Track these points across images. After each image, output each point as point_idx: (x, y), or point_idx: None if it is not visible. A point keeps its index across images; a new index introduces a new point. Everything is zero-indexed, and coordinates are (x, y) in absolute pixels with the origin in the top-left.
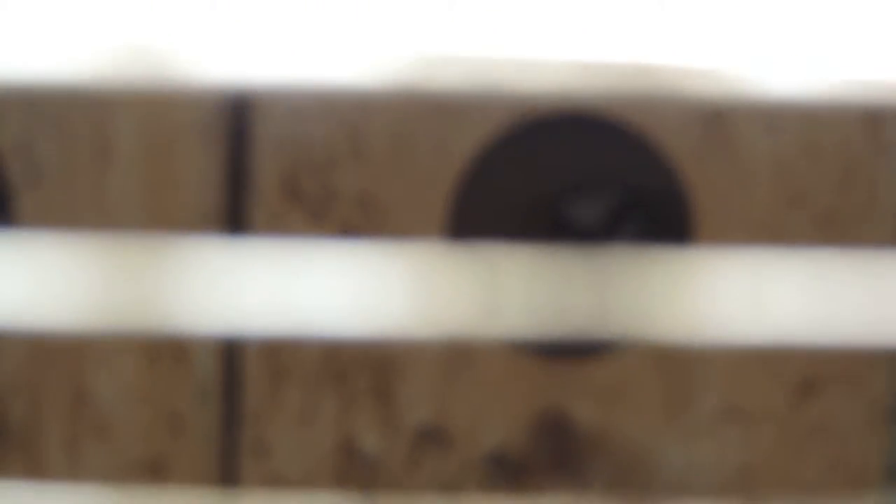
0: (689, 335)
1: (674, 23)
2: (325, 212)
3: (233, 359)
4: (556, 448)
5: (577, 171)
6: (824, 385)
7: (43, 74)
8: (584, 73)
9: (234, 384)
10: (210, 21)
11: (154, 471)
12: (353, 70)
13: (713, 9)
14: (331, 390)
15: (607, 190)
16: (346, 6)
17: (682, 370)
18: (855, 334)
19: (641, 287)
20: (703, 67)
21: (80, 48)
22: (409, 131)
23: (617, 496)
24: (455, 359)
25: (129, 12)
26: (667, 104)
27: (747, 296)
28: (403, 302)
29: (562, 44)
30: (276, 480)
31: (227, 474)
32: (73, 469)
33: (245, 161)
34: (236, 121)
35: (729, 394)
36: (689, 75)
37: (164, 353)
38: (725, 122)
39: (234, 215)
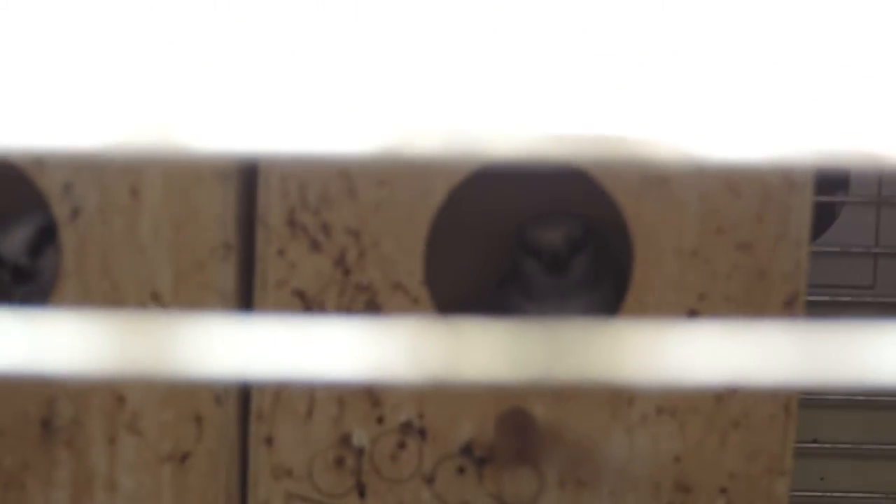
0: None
1: (619, 95)
2: (322, 243)
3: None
4: (519, 441)
5: (537, 204)
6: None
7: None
8: (543, 142)
9: (247, 388)
10: (221, 92)
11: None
12: (344, 135)
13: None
14: (328, 392)
15: (567, 219)
16: (337, 78)
17: None
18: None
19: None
20: (649, 135)
21: (107, 119)
22: (393, 175)
23: (569, 482)
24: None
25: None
26: (615, 162)
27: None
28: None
29: (524, 113)
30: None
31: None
32: (111, 460)
33: (255, 199)
34: (247, 165)
35: (663, 394)
36: (637, 142)
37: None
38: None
39: (247, 246)
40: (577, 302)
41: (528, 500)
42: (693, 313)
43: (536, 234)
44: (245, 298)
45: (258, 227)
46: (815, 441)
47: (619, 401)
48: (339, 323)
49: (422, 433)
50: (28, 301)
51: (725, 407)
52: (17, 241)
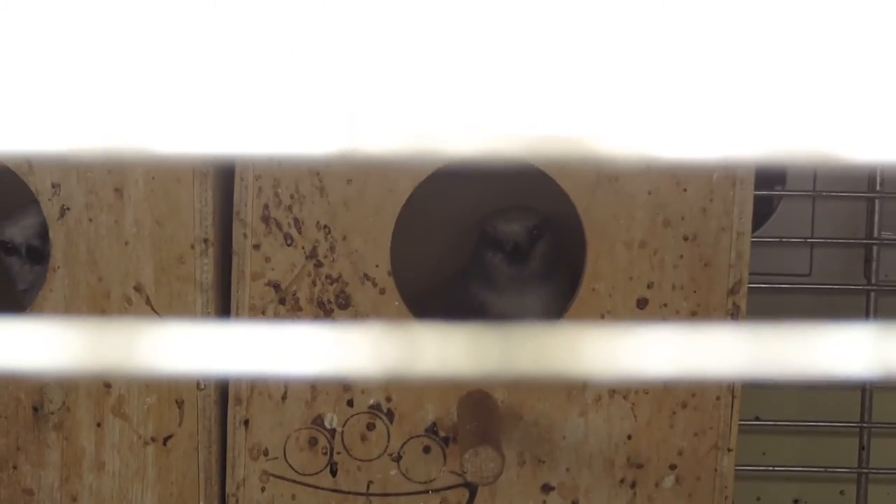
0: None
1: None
2: (295, 238)
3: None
4: (480, 422)
5: (497, 200)
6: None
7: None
8: (500, 141)
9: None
10: (195, 93)
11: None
12: (313, 136)
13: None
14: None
15: (526, 212)
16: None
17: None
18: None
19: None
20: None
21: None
22: (360, 174)
23: (528, 459)
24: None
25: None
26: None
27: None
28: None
29: (483, 113)
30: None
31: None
32: (98, 442)
33: (231, 197)
34: (224, 165)
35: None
36: (589, 141)
37: None
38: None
39: (224, 241)
40: (534, 291)
41: (492, 477)
42: (643, 301)
43: (498, 226)
44: (223, 290)
45: (235, 223)
46: (757, 419)
47: (575, 384)
48: (309, 324)
49: (389, 415)
50: (39, 281)
51: (673, 389)
52: (28, 224)
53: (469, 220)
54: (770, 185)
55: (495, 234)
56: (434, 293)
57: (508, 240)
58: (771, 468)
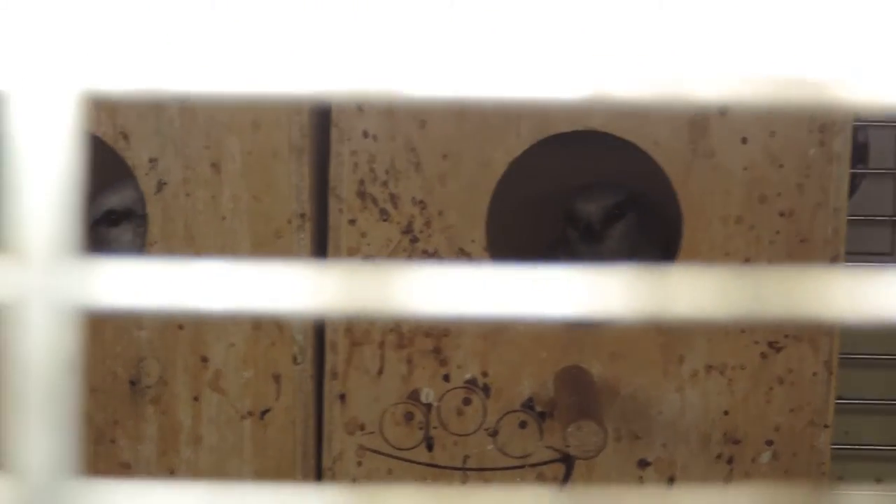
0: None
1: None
2: (391, 213)
3: (321, 329)
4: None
5: (585, 174)
6: (786, 345)
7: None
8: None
9: (322, 348)
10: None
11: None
12: (567, 76)
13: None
14: (397, 352)
15: (609, 190)
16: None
17: (675, 334)
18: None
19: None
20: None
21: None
22: (456, 148)
23: (625, 435)
24: (494, 328)
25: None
26: (661, 119)
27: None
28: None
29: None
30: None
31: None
32: (195, 417)
33: (327, 172)
34: (321, 140)
35: (712, 352)
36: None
37: (267, 324)
38: (708, 135)
39: (320, 216)
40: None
41: (594, 451)
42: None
43: (577, 204)
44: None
45: (330, 198)
46: (840, 398)
47: (671, 359)
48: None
49: (485, 390)
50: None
51: (770, 364)
52: (125, 193)
53: (562, 194)
54: (853, 163)
55: (573, 212)
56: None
57: (583, 218)
58: (854, 447)
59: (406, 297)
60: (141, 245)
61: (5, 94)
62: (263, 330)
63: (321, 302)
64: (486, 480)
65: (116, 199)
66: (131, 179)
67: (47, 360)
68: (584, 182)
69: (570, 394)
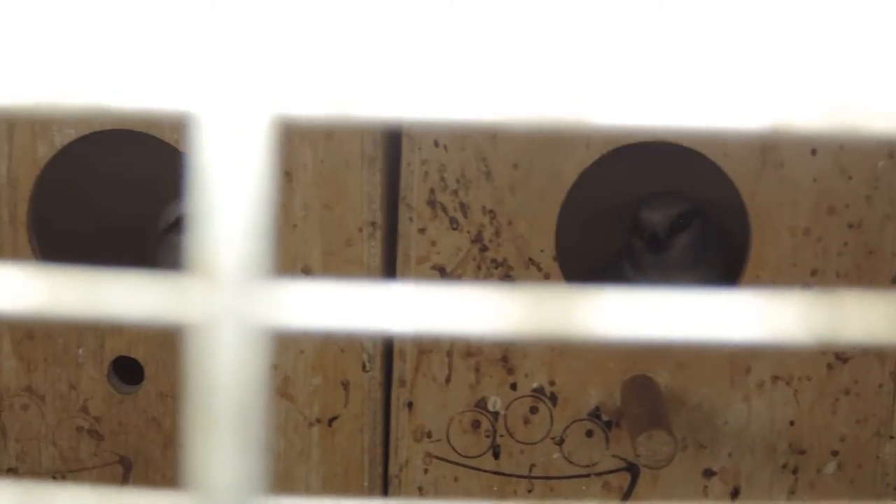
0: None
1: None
2: (461, 222)
3: (389, 337)
4: (645, 405)
5: (651, 185)
6: (853, 356)
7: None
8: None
9: (390, 355)
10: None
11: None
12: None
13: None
14: (465, 361)
15: (674, 200)
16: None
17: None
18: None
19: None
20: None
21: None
22: (527, 158)
23: (691, 444)
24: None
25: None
26: (730, 133)
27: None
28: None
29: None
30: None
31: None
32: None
33: (398, 181)
34: (392, 149)
35: (779, 363)
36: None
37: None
38: (777, 147)
39: (389, 225)
40: (680, 278)
41: (665, 461)
42: (807, 288)
43: (642, 214)
44: (388, 273)
45: (401, 207)
46: None
47: (738, 369)
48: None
49: (552, 398)
50: None
51: (836, 375)
52: None
53: (627, 204)
54: None
55: (639, 221)
56: (591, 276)
57: (648, 228)
58: None
59: (595, 322)
60: None
61: (198, 117)
62: (333, 337)
63: (508, 326)
64: (552, 489)
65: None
66: None
67: (236, 380)
68: (649, 192)
69: (639, 403)
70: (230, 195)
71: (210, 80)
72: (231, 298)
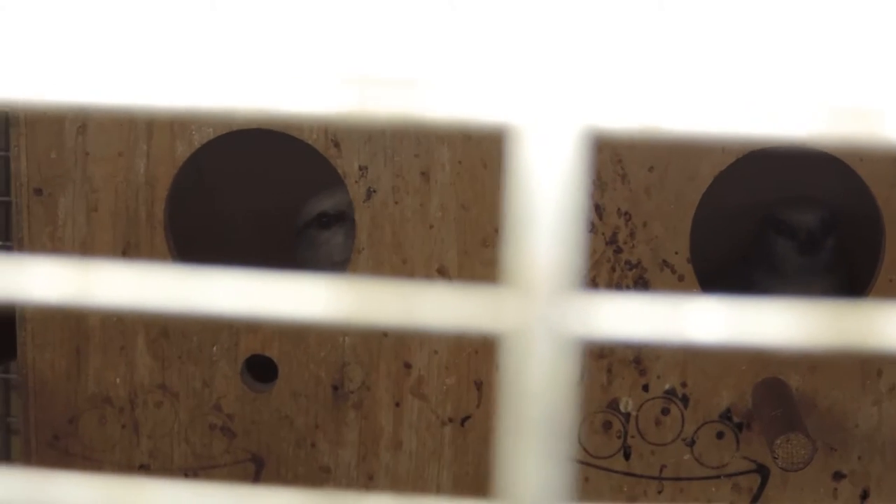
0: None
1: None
2: (596, 224)
3: None
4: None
5: (790, 189)
6: None
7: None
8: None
9: None
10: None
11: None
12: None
13: None
14: (598, 362)
15: (814, 204)
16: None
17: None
18: None
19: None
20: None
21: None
22: (662, 161)
23: (821, 447)
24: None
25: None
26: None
27: None
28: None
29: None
30: None
31: None
32: (396, 422)
33: None
34: None
35: None
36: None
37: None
38: None
39: None
40: (820, 282)
41: (802, 464)
42: None
43: (792, 214)
44: None
45: None
46: None
47: (869, 373)
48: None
49: (684, 400)
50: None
51: None
52: (338, 197)
53: (754, 208)
54: None
55: (789, 223)
56: (717, 280)
57: (802, 228)
58: None
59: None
60: (351, 249)
61: (511, 128)
62: (467, 338)
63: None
64: (682, 490)
65: (330, 203)
66: (344, 184)
67: (547, 389)
68: (783, 196)
69: (774, 406)
70: (544, 206)
71: (525, 92)
72: (544, 309)
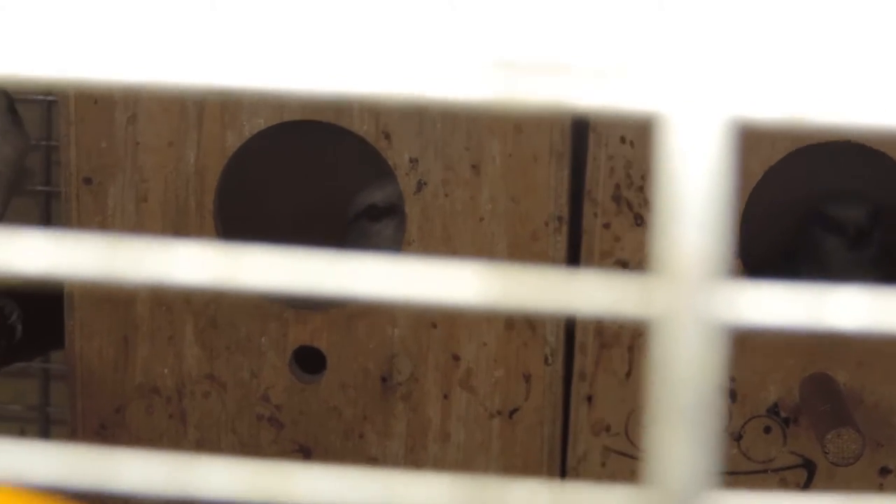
0: None
1: None
2: (645, 218)
3: (571, 330)
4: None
5: (832, 183)
6: None
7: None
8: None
9: (571, 349)
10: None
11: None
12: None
13: None
14: (645, 356)
15: (861, 199)
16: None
17: None
18: None
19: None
20: None
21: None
22: None
23: (869, 442)
24: (742, 334)
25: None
26: None
27: None
28: None
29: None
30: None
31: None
32: (445, 414)
33: (583, 175)
34: (578, 144)
35: None
36: None
37: (520, 324)
38: None
39: (573, 219)
40: (868, 278)
41: (853, 458)
42: None
43: (840, 209)
44: (571, 268)
45: (585, 201)
46: None
47: None
48: None
49: (732, 395)
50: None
51: None
52: (388, 190)
53: (796, 203)
54: None
55: (837, 218)
56: (760, 275)
57: (851, 224)
58: None
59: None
60: (400, 242)
61: (660, 116)
62: (516, 330)
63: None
64: (729, 484)
65: (380, 195)
66: (394, 176)
67: (695, 377)
68: (832, 191)
69: (823, 401)
70: (693, 194)
71: (673, 81)
72: (692, 296)
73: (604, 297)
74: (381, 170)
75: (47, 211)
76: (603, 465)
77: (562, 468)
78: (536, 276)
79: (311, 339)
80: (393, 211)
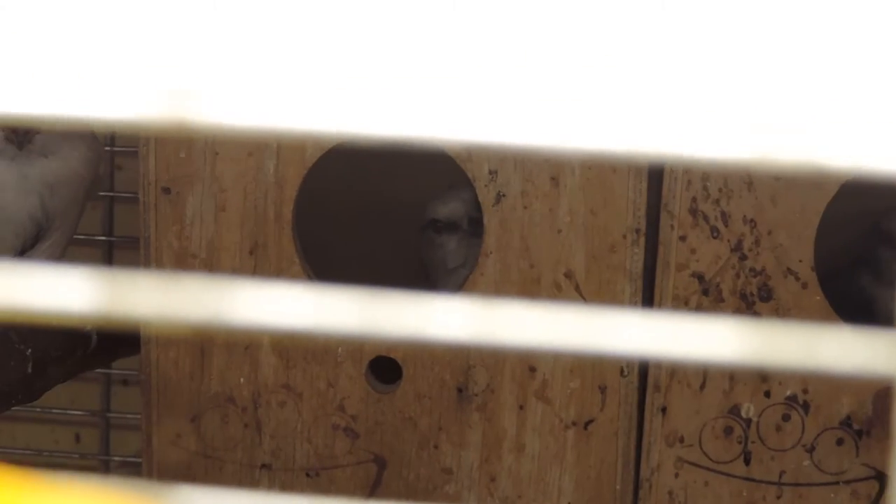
0: None
1: None
2: (721, 230)
3: None
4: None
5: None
6: None
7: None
8: None
9: (646, 362)
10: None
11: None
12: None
13: None
14: (720, 369)
15: None
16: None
17: None
18: None
19: None
20: None
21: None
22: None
23: None
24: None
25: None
26: None
27: None
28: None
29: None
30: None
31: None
32: (520, 425)
33: (660, 188)
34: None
35: None
36: None
37: None
38: None
39: (649, 231)
40: None
41: None
42: None
43: (894, 225)
44: (648, 280)
45: (662, 214)
46: None
47: None
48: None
49: (805, 407)
50: (470, 261)
51: None
52: (459, 204)
53: (861, 216)
54: None
55: (891, 232)
56: (827, 285)
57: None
58: None
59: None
60: (465, 256)
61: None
62: None
63: None
64: (801, 496)
65: (444, 211)
66: (461, 191)
67: None
68: (892, 206)
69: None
70: None
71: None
72: None
73: (855, 354)
74: (454, 181)
75: (110, 216)
76: (676, 475)
77: (635, 479)
78: (790, 333)
79: (388, 350)
80: (454, 228)
